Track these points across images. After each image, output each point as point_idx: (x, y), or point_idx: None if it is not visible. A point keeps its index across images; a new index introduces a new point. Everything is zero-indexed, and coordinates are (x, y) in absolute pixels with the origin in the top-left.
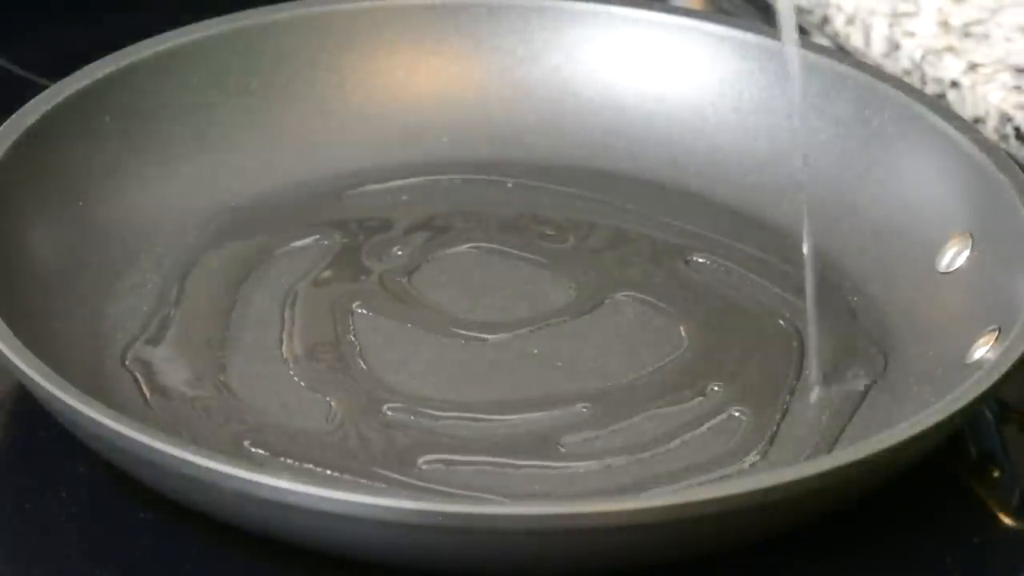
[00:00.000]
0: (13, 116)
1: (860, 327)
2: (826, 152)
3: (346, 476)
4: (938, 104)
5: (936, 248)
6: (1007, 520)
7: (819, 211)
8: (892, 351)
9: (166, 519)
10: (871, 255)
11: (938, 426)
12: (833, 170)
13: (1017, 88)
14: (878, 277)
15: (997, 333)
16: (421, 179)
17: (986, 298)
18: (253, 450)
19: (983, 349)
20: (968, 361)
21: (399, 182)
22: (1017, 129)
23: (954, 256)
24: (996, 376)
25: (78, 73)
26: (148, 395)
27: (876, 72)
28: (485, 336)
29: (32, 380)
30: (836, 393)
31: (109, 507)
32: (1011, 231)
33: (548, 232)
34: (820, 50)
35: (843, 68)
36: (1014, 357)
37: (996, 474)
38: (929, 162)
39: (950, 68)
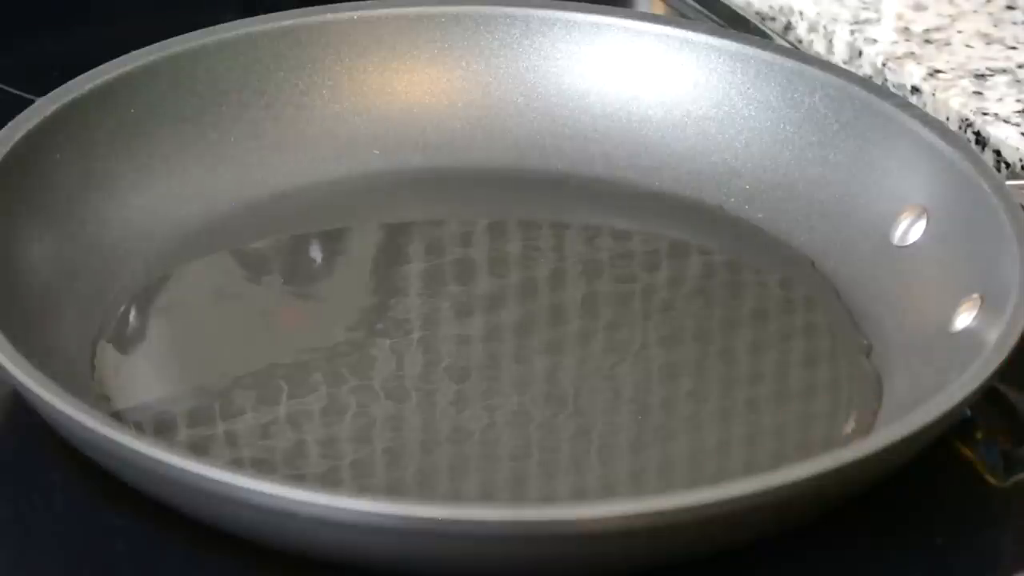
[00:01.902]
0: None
1: (842, 306)
2: (759, 138)
3: (342, 482)
4: (871, 84)
5: (888, 223)
6: (996, 485)
7: (762, 198)
8: (871, 328)
9: (162, 519)
10: (820, 235)
11: (938, 420)
12: (768, 154)
13: (977, 94)
14: (833, 256)
15: (980, 300)
16: (415, 183)
17: (954, 267)
18: (248, 455)
19: (967, 316)
20: (953, 330)
21: (390, 187)
22: (977, 134)
23: (907, 229)
24: (995, 364)
25: (63, 88)
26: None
27: (802, 56)
28: (484, 336)
29: (27, 389)
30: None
31: (106, 511)
32: (966, 198)
33: (545, 235)
34: (749, 41)
35: (768, 55)
36: (1011, 344)
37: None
38: (867, 140)
39: (911, 74)
